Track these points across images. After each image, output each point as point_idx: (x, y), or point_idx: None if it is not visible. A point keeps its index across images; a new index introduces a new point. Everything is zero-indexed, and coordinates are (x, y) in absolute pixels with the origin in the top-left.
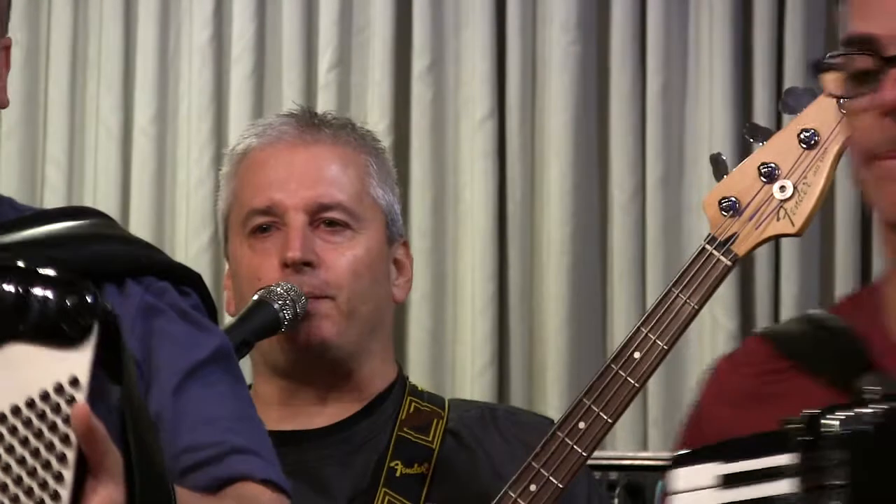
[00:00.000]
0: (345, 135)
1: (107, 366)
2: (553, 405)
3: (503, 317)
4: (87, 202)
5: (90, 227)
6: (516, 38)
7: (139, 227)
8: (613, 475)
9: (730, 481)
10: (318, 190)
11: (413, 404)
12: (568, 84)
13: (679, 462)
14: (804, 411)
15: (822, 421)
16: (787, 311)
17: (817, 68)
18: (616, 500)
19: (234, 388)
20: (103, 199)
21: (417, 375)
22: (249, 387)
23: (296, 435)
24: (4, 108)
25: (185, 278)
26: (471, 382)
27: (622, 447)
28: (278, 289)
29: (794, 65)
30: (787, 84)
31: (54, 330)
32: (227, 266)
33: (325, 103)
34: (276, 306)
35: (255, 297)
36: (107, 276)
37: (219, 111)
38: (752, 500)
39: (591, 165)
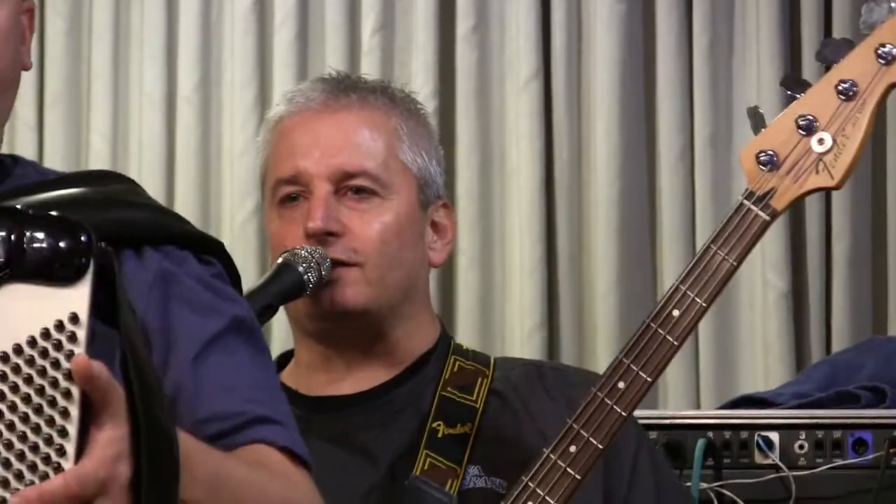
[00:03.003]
0: (373, 99)
1: (105, 305)
2: (603, 367)
3: (552, 279)
4: (132, 171)
5: (111, 192)
6: None
7: (184, 196)
8: (653, 434)
9: None
10: (342, 158)
11: (457, 363)
12: (614, 43)
13: None
14: None
15: None
16: (839, 270)
17: None
18: None
19: (255, 357)
20: (148, 168)
21: (467, 339)
22: (291, 352)
23: (337, 400)
24: (27, 70)
25: (206, 247)
26: (520, 345)
27: (674, 408)
28: (302, 251)
29: (843, 19)
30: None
31: (50, 269)
32: None
33: (369, 67)
34: (300, 269)
35: (279, 261)
36: (125, 242)
37: (262, 78)
38: None
39: (638, 125)
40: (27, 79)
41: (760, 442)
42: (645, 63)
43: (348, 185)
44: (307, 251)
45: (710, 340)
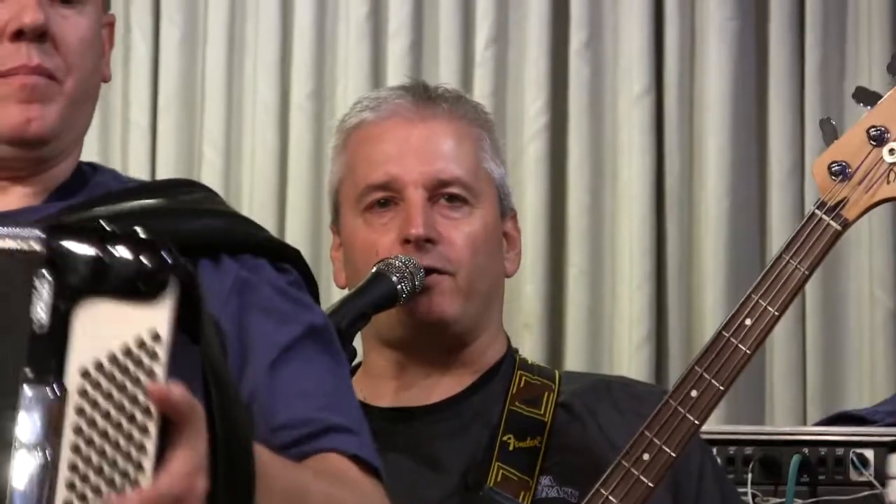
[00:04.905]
0: (460, 108)
1: (186, 322)
2: None
3: (661, 292)
4: (245, 180)
5: (189, 200)
6: (674, 13)
7: (297, 204)
8: (748, 450)
9: None
10: (436, 165)
11: (524, 378)
12: (726, 59)
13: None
14: None
15: None
16: None
17: None
18: (750, 475)
19: (331, 365)
20: (260, 176)
21: (575, 350)
22: (360, 364)
23: (408, 411)
24: (107, 82)
25: (283, 255)
26: (628, 358)
27: (781, 424)
28: (396, 261)
29: None
30: None
31: (133, 287)
32: (332, 238)
33: (482, 79)
34: (394, 279)
35: (374, 270)
36: (202, 251)
37: (376, 87)
38: None
39: (749, 140)
40: (142, 85)
41: (855, 459)
42: (757, 78)
43: (442, 193)
44: (401, 261)
45: (818, 357)
